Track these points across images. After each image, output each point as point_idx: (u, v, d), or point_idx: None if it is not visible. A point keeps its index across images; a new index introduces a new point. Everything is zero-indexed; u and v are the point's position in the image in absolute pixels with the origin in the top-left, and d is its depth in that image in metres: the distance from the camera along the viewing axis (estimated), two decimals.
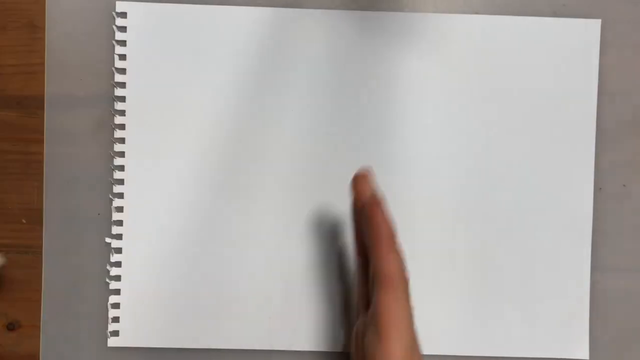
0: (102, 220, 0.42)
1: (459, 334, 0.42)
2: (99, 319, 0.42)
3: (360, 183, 0.35)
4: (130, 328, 0.42)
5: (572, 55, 0.42)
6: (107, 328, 0.42)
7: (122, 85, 0.42)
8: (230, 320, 0.42)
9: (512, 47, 0.42)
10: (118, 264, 0.42)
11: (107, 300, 0.42)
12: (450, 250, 0.42)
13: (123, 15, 0.42)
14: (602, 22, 0.42)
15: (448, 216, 0.42)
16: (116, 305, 0.42)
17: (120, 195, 0.42)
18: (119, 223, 0.42)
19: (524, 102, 0.42)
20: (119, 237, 0.42)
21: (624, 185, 0.43)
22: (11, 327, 0.42)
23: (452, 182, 0.42)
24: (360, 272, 0.36)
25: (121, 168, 0.42)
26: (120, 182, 0.42)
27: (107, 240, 0.42)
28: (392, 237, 0.32)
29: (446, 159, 0.42)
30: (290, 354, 0.42)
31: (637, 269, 0.43)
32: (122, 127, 0.42)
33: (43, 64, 0.42)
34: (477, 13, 0.42)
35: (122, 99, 0.42)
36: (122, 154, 0.42)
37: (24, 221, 0.42)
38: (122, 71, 0.42)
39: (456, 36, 0.42)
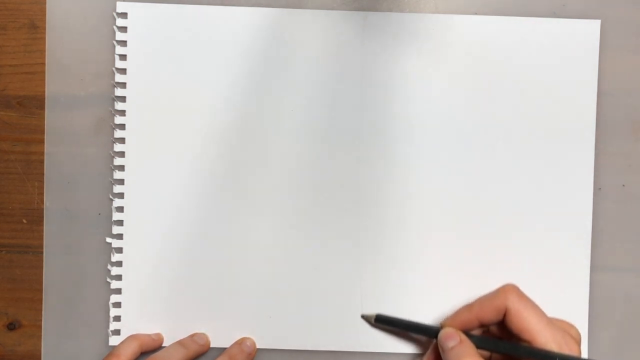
0: (103, 220, 0.42)
1: None
2: (100, 318, 0.42)
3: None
4: (132, 327, 0.42)
5: (571, 56, 0.42)
6: (108, 327, 0.42)
7: (123, 85, 0.42)
8: (231, 319, 0.42)
9: (511, 47, 0.42)
10: (119, 264, 0.42)
11: (108, 300, 0.42)
12: (450, 249, 0.42)
13: (123, 15, 0.42)
14: (601, 22, 0.42)
15: (446, 215, 0.42)
16: (117, 305, 0.42)
17: (121, 195, 0.42)
18: (120, 223, 0.42)
19: (523, 102, 0.42)
20: (119, 237, 0.42)
21: (624, 185, 0.43)
22: (12, 326, 0.43)
23: (451, 182, 0.42)
24: None
25: (121, 168, 0.42)
26: (121, 182, 0.42)
27: (108, 240, 0.42)
28: None
29: (445, 159, 0.42)
30: (291, 353, 0.42)
31: (637, 269, 0.43)
32: (122, 127, 0.42)
33: (43, 64, 0.42)
34: (477, 14, 0.42)
35: (123, 99, 0.42)
36: (122, 154, 0.42)
37: (24, 221, 0.42)
38: (123, 71, 0.42)
39: (456, 37, 0.42)
